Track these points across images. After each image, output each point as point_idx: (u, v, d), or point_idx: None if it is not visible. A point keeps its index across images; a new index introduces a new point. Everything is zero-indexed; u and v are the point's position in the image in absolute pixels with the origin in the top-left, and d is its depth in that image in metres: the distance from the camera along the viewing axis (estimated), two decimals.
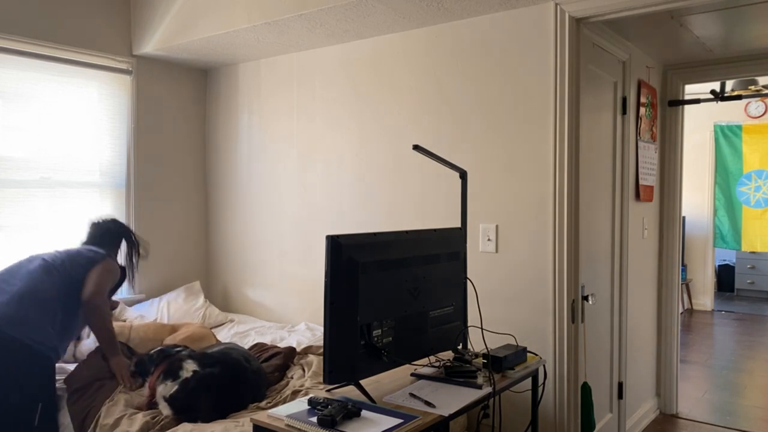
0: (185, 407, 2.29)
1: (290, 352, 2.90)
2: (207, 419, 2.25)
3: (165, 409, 2.31)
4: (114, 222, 2.93)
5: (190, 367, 2.37)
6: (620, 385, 3.49)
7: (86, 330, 3.06)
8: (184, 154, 4.03)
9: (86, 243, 2.84)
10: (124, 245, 2.94)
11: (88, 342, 2.99)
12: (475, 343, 2.75)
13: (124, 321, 3.28)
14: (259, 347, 3.04)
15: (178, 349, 2.52)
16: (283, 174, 3.71)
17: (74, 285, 2.58)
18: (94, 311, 2.55)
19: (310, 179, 3.58)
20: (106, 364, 2.61)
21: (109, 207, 3.68)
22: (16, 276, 2.51)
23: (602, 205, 3.27)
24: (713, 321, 7.16)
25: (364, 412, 1.68)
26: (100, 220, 2.92)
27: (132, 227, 3.73)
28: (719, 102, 4.26)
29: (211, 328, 3.50)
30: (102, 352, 2.63)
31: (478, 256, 2.88)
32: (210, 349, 2.60)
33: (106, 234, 2.87)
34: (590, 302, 2.90)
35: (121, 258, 2.93)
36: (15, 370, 2.35)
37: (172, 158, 3.95)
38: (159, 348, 2.53)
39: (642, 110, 3.63)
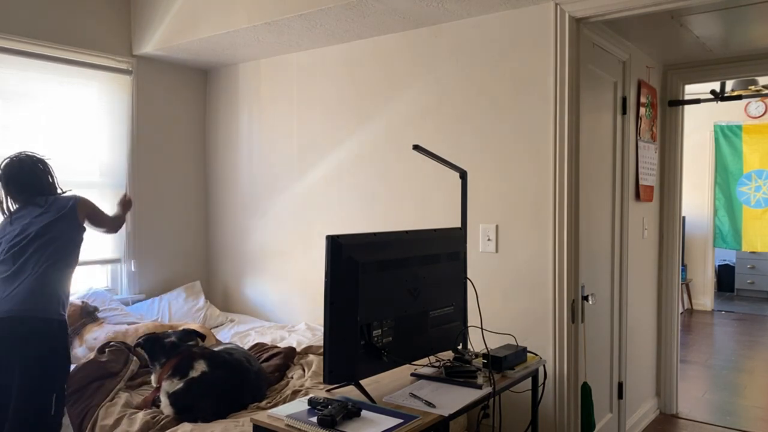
0: (187, 407, 2.29)
1: (290, 352, 2.90)
2: (207, 419, 2.25)
3: (166, 408, 2.31)
4: (32, 161, 2.63)
5: (199, 367, 2.37)
6: (620, 385, 3.49)
7: (83, 335, 3.05)
8: (184, 154, 4.03)
9: (30, 197, 2.58)
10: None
11: (83, 349, 2.98)
12: (475, 343, 2.75)
13: (122, 324, 3.27)
14: (259, 347, 3.04)
15: (191, 343, 2.51)
16: (283, 174, 3.71)
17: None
18: (116, 229, 2.87)
19: (310, 179, 3.57)
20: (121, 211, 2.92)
21: (109, 207, 3.68)
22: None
23: (602, 205, 3.26)
24: (713, 321, 7.16)
25: (364, 412, 1.68)
26: (20, 167, 2.59)
27: (132, 226, 3.73)
28: (719, 102, 4.26)
29: (210, 329, 3.49)
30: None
31: (478, 256, 2.87)
32: (216, 347, 2.59)
33: (38, 179, 2.62)
34: (590, 302, 2.90)
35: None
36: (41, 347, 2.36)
37: (172, 158, 3.95)
38: (173, 340, 2.49)
39: (642, 110, 3.63)
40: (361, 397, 1.80)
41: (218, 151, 4.09)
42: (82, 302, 3.18)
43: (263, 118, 3.81)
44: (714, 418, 4.04)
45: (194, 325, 3.25)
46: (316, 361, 2.79)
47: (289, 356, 2.87)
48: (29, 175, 2.59)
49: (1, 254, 2.45)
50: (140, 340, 2.50)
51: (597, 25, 2.91)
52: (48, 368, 2.36)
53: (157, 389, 2.39)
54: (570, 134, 2.62)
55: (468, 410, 1.80)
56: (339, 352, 1.74)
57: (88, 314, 3.16)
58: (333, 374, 1.75)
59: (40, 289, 2.38)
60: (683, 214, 7.32)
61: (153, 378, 2.46)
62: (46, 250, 2.44)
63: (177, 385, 2.32)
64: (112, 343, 2.77)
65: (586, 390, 2.81)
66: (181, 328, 3.16)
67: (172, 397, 2.31)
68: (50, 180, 2.66)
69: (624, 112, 3.45)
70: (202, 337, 2.62)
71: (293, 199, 3.67)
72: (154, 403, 2.39)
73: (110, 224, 2.81)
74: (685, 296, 7.73)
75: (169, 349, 2.45)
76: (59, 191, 2.67)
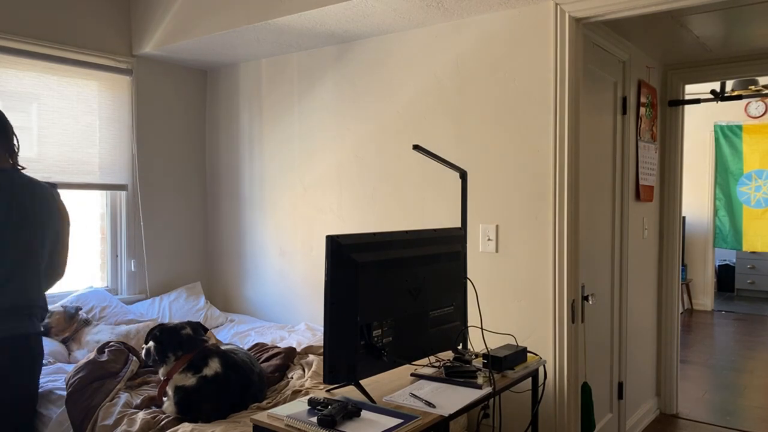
0: (191, 407, 2.27)
1: (290, 352, 2.90)
2: (208, 420, 2.24)
3: (169, 408, 2.30)
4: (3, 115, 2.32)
5: (213, 366, 2.34)
6: (620, 385, 3.49)
7: (84, 337, 3.05)
8: (185, 155, 4.03)
9: None
10: None
11: (84, 351, 2.98)
12: (475, 343, 2.75)
13: (120, 324, 3.27)
14: (259, 347, 3.04)
15: (204, 338, 2.49)
16: (283, 174, 3.71)
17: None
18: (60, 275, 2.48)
19: (310, 179, 3.58)
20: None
21: (108, 207, 3.68)
22: None
23: (602, 205, 3.27)
24: (713, 321, 7.16)
25: (364, 412, 1.68)
26: None
27: (133, 226, 3.74)
28: (719, 102, 4.26)
29: (210, 329, 3.49)
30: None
31: (478, 256, 2.87)
32: (224, 347, 2.59)
33: None
34: (590, 302, 2.90)
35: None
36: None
37: (173, 158, 3.95)
38: (189, 333, 2.44)
39: (642, 110, 3.63)
40: (361, 397, 1.80)
41: (218, 151, 4.09)
42: (63, 307, 3.13)
43: (263, 117, 3.81)
44: (714, 418, 4.04)
45: None
46: (316, 361, 2.79)
47: (289, 356, 2.87)
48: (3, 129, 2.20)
49: None
50: (155, 330, 2.42)
51: (597, 25, 2.92)
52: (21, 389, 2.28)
53: (166, 382, 2.35)
54: (570, 134, 2.62)
55: (468, 410, 1.80)
56: (339, 352, 1.74)
57: (71, 318, 3.11)
58: (333, 374, 1.75)
59: (20, 298, 2.20)
60: (683, 214, 7.33)
61: (162, 370, 2.39)
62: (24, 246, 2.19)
63: (189, 380, 2.30)
64: (111, 343, 2.77)
65: (586, 390, 2.81)
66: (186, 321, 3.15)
67: (181, 392, 2.28)
68: (13, 145, 2.28)
69: (624, 112, 3.45)
70: (205, 329, 2.59)
71: (293, 199, 3.67)
72: (163, 396, 2.37)
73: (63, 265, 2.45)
74: (685, 296, 7.73)
75: (186, 341, 2.40)
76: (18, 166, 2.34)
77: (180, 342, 2.40)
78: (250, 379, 2.42)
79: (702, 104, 4.23)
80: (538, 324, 2.71)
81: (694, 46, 3.53)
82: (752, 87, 5.10)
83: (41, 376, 2.65)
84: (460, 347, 2.23)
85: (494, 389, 1.91)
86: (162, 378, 2.39)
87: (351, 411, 1.64)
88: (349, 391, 1.87)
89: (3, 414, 2.27)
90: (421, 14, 2.86)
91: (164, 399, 2.36)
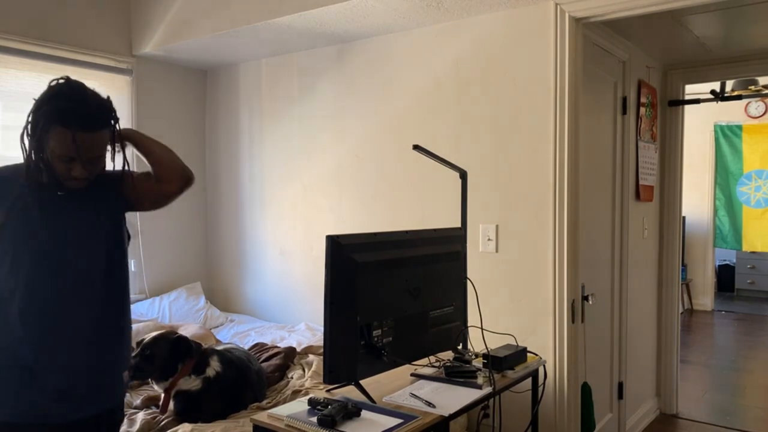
0: (194, 407, 2.27)
1: (290, 352, 2.90)
2: (208, 420, 2.24)
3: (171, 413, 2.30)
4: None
5: (215, 365, 2.36)
6: (620, 385, 3.49)
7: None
8: (185, 154, 3.99)
9: None
10: None
11: None
12: (475, 343, 2.75)
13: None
14: (259, 347, 3.04)
15: (204, 347, 2.51)
16: (283, 174, 3.71)
17: None
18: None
19: (310, 179, 3.57)
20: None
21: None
22: None
23: (602, 205, 3.26)
24: (713, 321, 7.15)
25: (364, 412, 1.68)
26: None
27: (134, 228, 3.73)
28: (719, 102, 4.26)
29: (210, 329, 3.49)
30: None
31: (478, 256, 2.87)
32: (217, 347, 2.59)
33: None
34: (590, 302, 2.90)
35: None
36: None
37: None
38: (196, 342, 2.45)
39: (642, 110, 3.63)
40: (361, 397, 1.80)
41: (218, 151, 4.09)
42: None
43: (263, 118, 3.81)
44: (714, 418, 4.04)
45: (195, 326, 3.25)
46: (316, 361, 2.79)
47: (289, 356, 2.87)
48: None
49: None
50: (192, 343, 2.39)
51: (597, 25, 2.91)
52: None
53: (169, 392, 2.31)
54: (570, 134, 2.62)
55: (468, 410, 1.80)
56: (339, 352, 1.74)
57: None
58: (333, 374, 1.75)
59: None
60: (683, 214, 7.32)
61: (167, 382, 2.30)
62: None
63: (194, 382, 2.31)
64: None
65: (586, 390, 2.81)
66: (181, 328, 3.16)
67: (186, 396, 2.28)
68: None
69: (624, 112, 3.45)
70: None
71: (293, 199, 3.67)
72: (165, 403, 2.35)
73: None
74: (685, 296, 7.73)
75: (195, 348, 2.41)
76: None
77: (190, 350, 2.38)
78: (248, 376, 2.42)
79: (702, 104, 4.22)
80: (538, 324, 2.71)
81: (694, 46, 3.53)
82: (752, 87, 5.09)
83: None
84: (460, 347, 2.23)
85: (494, 389, 1.91)
86: (163, 390, 2.34)
87: (351, 411, 1.64)
88: (349, 391, 1.87)
89: None
90: (421, 14, 2.86)
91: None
